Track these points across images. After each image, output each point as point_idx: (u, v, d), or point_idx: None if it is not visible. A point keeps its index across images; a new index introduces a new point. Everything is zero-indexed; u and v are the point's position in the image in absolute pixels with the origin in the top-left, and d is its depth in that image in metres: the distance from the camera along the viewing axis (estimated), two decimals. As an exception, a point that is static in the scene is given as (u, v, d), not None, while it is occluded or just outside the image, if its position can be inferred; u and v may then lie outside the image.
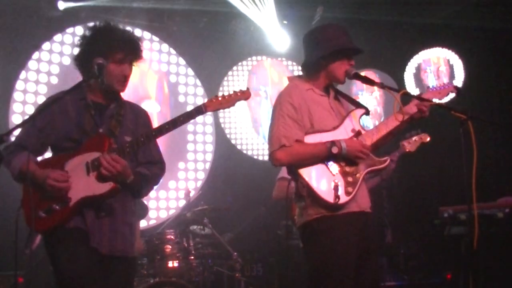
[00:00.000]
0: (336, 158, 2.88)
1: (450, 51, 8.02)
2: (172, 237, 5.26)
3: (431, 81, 8.04)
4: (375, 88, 8.14)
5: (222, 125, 7.77)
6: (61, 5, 6.52)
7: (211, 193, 6.78)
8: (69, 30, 6.75)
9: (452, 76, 7.97)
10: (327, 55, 2.98)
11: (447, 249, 5.77)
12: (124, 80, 2.93)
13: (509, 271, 4.13)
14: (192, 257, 5.29)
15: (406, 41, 7.86)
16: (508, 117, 6.88)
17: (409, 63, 8.12)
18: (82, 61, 2.91)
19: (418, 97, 3.06)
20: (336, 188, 2.82)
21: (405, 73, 8.10)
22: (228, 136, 7.80)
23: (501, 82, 7.40)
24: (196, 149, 7.59)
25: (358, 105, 3.13)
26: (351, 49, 3.03)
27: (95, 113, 2.90)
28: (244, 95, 2.93)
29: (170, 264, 5.09)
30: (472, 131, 2.71)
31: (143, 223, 5.65)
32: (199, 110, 2.87)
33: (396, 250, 6.83)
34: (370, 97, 8.18)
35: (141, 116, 3.10)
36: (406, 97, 3.01)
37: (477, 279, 3.00)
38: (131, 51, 2.91)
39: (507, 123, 7.06)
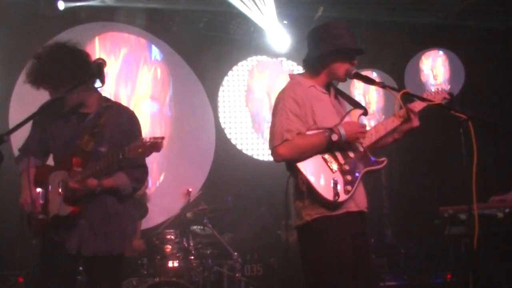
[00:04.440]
0: (336, 146, 2.87)
1: (450, 51, 8.01)
2: (172, 237, 5.26)
3: (431, 82, 8.04)
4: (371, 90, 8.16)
5: (222, 125, 7.77)
6: (61, 5, 6.51)
7: (211, 193, 6.77)
8: (69, 30, 6.74)
9: (451, 76, 7.97)
10: (328, 54, 2.98)
11: (447, 249, 5.78)
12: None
13: (509, 271, 4.13)
14: (192, 257, 5.29)
15: (406, 41, 7.85)
16: (508, 117, 6.88)
17: (409, 63, 8.12)
18: None
19: (419, 98, 3.06)
20: (335, 185, 2.81)
21: (404, 73, 8.09)
22: (228, 136, 7.80)
23: (501, 82, 7.41)
24: (196, 149, 7.58)
25: (357, 105, 3.13)
26: (353, 50, 3.02)
27: (77, 122, 3.05)
28: (157, 146, 2.70)
29: (170, 264, 5.09)
30: (472, 131, 2.71)
31: (143, 223, 5.65)
32: (122, 155, 2.78)
33: (396, 250, 6.84)
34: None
35: (124, 120, 3.11)
36: (407, 98, 3.01)
37: (477, 279, 2.99)
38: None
39: (507, 123, 7.06)
